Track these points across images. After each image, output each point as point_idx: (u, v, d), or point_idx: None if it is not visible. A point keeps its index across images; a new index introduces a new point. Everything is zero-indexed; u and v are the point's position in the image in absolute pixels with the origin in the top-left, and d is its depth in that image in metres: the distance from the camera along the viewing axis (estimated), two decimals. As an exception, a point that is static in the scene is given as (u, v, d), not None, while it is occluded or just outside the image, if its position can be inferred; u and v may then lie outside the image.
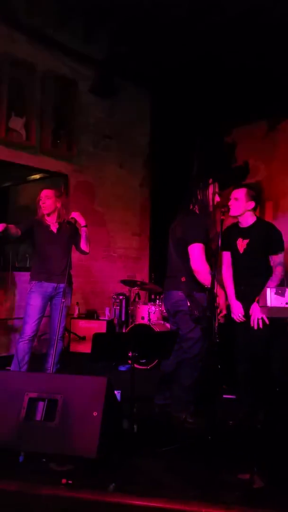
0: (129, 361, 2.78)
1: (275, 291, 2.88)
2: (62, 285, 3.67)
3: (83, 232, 3.85)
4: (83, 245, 3.89)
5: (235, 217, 3.29)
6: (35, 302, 3.73)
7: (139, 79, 6.35)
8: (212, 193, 3.21)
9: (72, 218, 3.81)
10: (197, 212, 3.23)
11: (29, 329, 3.69)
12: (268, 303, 2.90)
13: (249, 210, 3.24)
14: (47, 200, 3.84)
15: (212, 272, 2.81)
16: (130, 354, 2.74)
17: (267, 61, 5.44)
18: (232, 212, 3.22)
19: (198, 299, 3.10)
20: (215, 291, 2.87)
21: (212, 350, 2.99)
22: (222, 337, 3.73)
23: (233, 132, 6.72)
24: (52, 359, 3.52)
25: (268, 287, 2.97)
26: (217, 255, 3.12)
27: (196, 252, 3.06)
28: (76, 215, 3.83)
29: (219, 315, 3.07)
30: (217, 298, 3.01)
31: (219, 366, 4.03)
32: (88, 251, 3.95)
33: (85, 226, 3.86)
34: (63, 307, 3.52)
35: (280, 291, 2.81)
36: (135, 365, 2.79)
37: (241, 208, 3.23)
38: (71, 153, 5.89)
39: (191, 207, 3.25)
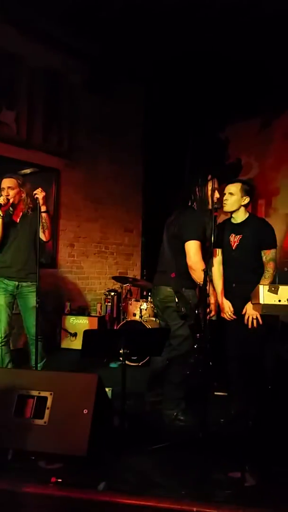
0: (120, 358, 2.75)
1: (268, 288, 2.85)
2: (24, 283, 3.44)
3: (41, 218, 3.47)
4: (42, 232, 3.52)
5: (229, 212, 3.26)
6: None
7: (132, 74, 6.29)
8: (211, 190, 3.17)
9: (35, 194, 3.43)
10: (195, 209, 3.20)
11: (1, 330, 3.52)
12: (261, 301, 2.87)
13: (243, 205, 3.22)
14: (11, 192, 3.54)
15: (205, 270, 2.78)
16: (121, 351, 2.70)
17: (261, 58, 5.42)
18: (227, 208, 3.20)
19: (186, 296, 3.08)
20: (207, 288, 2.85)
21: (203, 347, 2.97)
22: (214, 333, 3.71)
23: (227, 128, 6.70)
24: (35, 357, 3.42)
25: (260, 284, 2.95)
26: (211, 252, 3.09)
27: (192, 249, 3.04)
28: (38, 193, 3.41)
29: (209, 314, 3.05)
30: (209, 298, 2.98)
31: (210, 363, 4.01)
32: (46, 240, 3.61)
33: (44, 212, 3.47)
34: (30, 309, 3.35)
35: (273, 288, 2.78)
36: (126, 362, 2.76)
37: (236, 203, 3.20)
38: (63, 148, 5.82)
39: (189, 203, 3.21)
